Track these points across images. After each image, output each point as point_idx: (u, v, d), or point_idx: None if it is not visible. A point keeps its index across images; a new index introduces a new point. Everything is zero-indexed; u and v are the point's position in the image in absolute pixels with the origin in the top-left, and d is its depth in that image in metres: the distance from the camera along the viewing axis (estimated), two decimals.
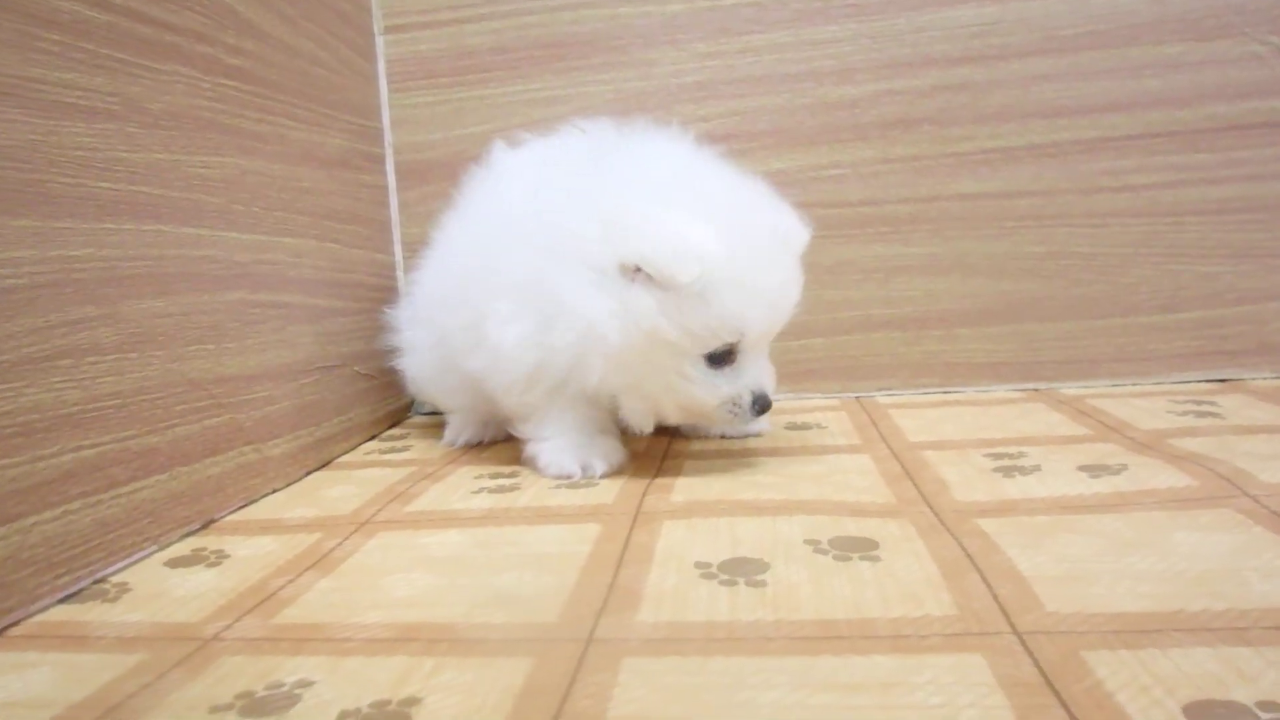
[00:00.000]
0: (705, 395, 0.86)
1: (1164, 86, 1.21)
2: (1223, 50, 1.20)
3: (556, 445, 0.95)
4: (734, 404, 0.87)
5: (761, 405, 0.88)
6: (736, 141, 1.27)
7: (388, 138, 1.37)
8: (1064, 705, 0.43)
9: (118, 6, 0.77)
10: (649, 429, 0.94)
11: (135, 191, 0.78)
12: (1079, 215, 1.24)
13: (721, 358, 0.86)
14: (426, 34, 1.35)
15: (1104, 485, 0.78)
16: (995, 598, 0.56)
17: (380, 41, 1.35)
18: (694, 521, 0.75)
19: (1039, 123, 1.23)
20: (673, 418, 0.93)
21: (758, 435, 1.08)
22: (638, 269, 0.82)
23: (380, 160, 1.35)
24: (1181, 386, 1.22)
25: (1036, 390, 1.25)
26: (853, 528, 0.70)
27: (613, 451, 0.96)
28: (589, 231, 0.84)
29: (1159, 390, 1.20)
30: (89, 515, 0.70)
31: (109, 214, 0.74)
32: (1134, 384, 1.24)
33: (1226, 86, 1.20)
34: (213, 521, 0.84)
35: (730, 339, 0.84)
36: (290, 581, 0.68)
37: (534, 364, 0.89)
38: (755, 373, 0.88)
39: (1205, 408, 1.07)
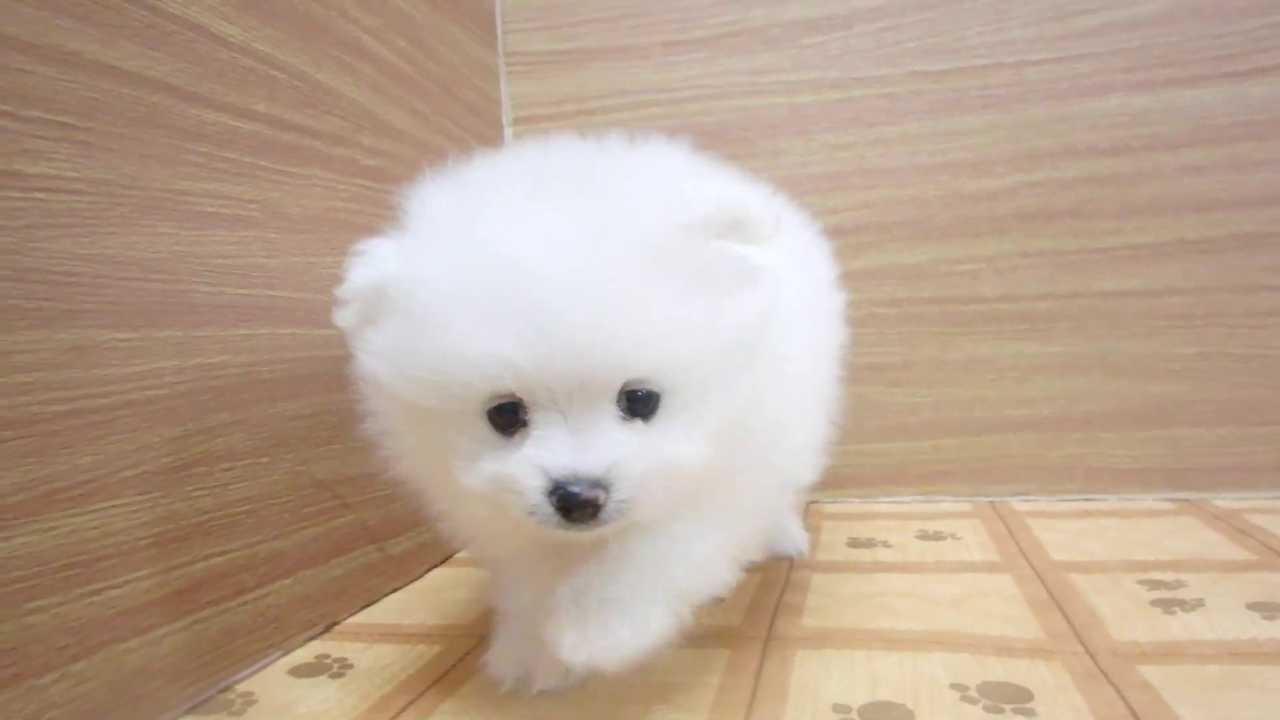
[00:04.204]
0: (468, 475, 0.55)
1: None
2: None
3: (504, 632, 0.70)
4: (509, 490, 0.53)
5: (563, 499, 0.52)
6: (867, 234, 1.24)
7: None
8: None
9: (261, 115, 0.79)
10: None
11: (272, 296, 0.79)
12: (1236, 315, 1.16)
13: (505, 418, 0.55)
14: (554, 126, 1.36)
15: None
16: None
17: (509, 133, 1.37)
18: (827, 654, 0.71)
19: (1191, 217, 1.16)
20: (499, 540, 0.66)
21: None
22: None
23: None
24: None
25: (1187, 501, 1.17)
26: (1000, 671, 0.65)
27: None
28: None
29: None
30: (217, 624, 0.70)
31: (246, 319, 0.75)
32: None
33: None
34: (335, 624, 0.83)
35: (479, 384, 0.53)
36: (411, 703, 0.66)
37: None
38: (554, 444, 0.53)
39: None
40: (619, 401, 0.54)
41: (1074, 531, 1.05)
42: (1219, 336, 1.17)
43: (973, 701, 0.61)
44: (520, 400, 0.53)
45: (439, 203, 0.59)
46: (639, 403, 0.55)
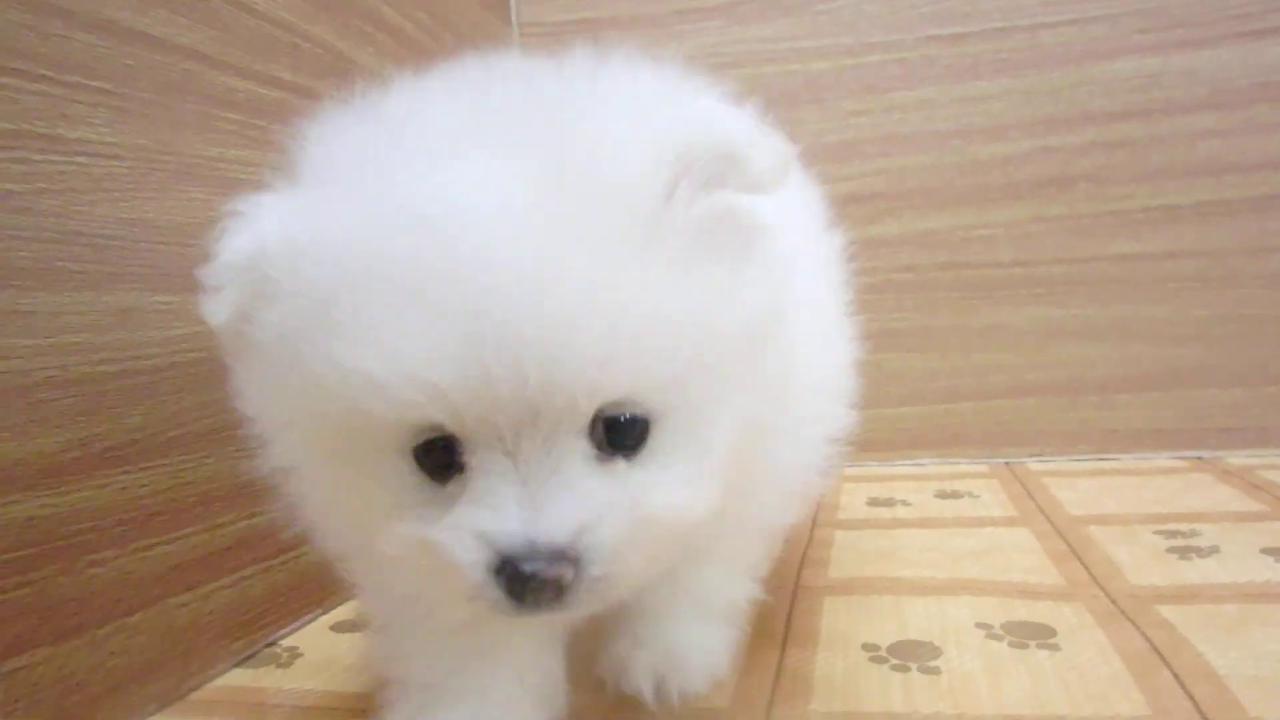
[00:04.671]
0: (386, 539, 0.41)
1: None
2: None
3: (403, 710, 0.52)
4: (441, 565, 0.39)
5: (514, 579, 0.38)
6: (883, 201, 1.25)
7: None
8: None
9: (286, 83, 0.80)
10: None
11: None
12: (1249, 277, 1.17)
13: (436, 459, 0.40)
14: None
15: None
16: (1192, 699, 0.52)
17: None
18: (855, 600, 0.72)
19: (1205, 180, 1.17)
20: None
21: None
22: None
23: None
24: None
25: (1200, 459, 1.18)
26: (1023, 612, 0.67)
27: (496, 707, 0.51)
28: None
29: None
30: (262, 581, 0.72)
31: None
32: None
33: None
34: None
35: (392, 415, 0.38)
36: None
37: None
38: (500, 500, 0.38)
39: None
40: (592, 433, 0.39)
41: (1090, 489, 1.06)
42: (1233, 299, 1.18)
43: (998, 639, 0.63)
44: (453, 435, 0.39)
45: (343, 144, 0.43)
46: (620, 433, 0.40)
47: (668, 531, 0.41)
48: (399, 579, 0.45)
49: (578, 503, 0.38)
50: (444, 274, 0.36)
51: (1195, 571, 0.74)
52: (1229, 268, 1.18)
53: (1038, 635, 0.63)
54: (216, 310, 0.43)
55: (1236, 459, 1.17)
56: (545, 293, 0.36)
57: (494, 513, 0.38)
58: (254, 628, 0.71)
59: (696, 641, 0.54)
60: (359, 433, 0.39)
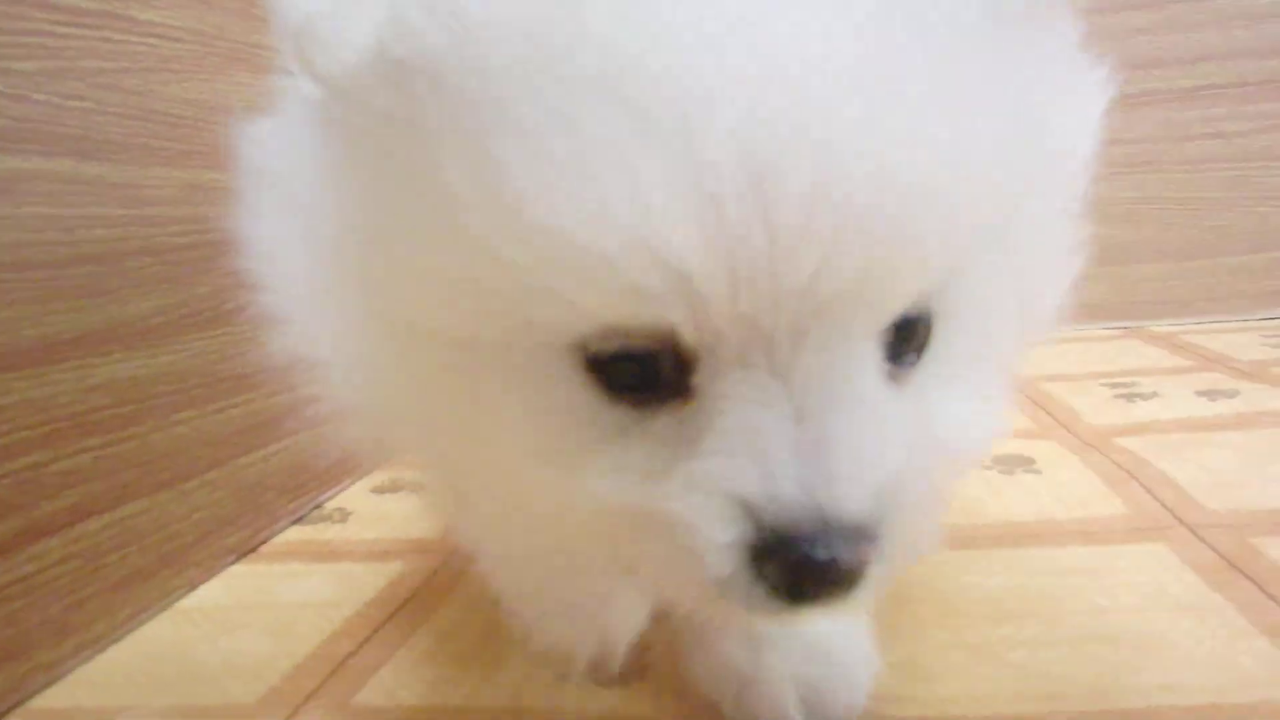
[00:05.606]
0: (566, 492, 0.27)
1: (1254, 37, 1.24)
2: None
3: (544, 605, 0.45)
4: (665, 540, 0.26)
5: (800, 568, 0.24)
6: None
7: None
8: (1249, 578, 0.50)
9: None
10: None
11: None
12: (1171, 162, 1.28)
13: (632, 375, 0.26)
14: None
15: (1224, 408, 0.83)
16: (1160, 501, 0.62)
17: None
18: None
19: (1133, 74, 1.26)
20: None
21: None
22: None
23: None
24: (1269, 322, 1.26)
25: (1126, 329, 1.30)
26: (1003, 449, 0.76)
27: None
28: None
29: (1248, 326, 1.24)
30: (307, 447, 0.77)
31: None
32: (1221, 321, 1.29)
33: None
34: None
35: (582, 302, 0.24)
36: None
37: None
38: (770, 442, 0.25)
39: None
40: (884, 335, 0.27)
41: (1035, 355, 1.16)
42: (1157, 182, 1.29)
43: (988, 468, 0.71)
44: (677, 342, 0.25)
45: None
46: (908, 334, 0.27)
47: (957, 469, 0.29)
48: (563, 550, 0.33)
49: (881, 447, 0.25)
50: (710, 90, 0.22)
51: (1142, 411, 0.84)
52: (1153, 154, 1.28)
53: (1021, 464, 0.72)
54: (346, 31, 0.25)
55: (1159, 327, 1.28)
56: (879, 124, 0.23)
57: (758, 465, 0.24)
58: (304, 490, 0.76)
59: (842, 634, 0.40)
60: (509, 324, 0.26)
